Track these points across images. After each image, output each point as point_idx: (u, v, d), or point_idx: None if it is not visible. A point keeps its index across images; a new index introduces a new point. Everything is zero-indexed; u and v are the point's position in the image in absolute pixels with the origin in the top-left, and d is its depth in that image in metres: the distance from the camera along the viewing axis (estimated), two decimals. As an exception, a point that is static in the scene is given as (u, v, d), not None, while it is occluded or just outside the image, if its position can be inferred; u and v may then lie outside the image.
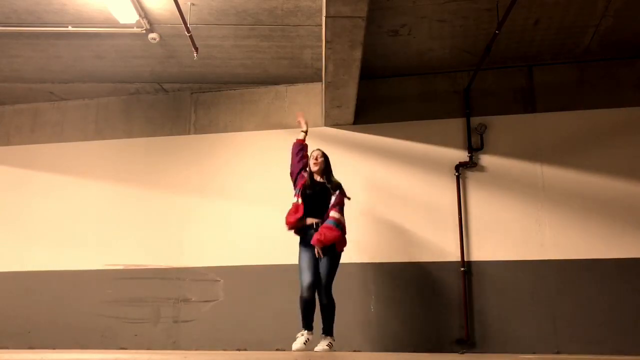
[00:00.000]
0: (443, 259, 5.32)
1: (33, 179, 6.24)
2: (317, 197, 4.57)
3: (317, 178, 4.68)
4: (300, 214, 4.51)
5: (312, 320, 4.46)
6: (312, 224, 4.51)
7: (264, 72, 5.83)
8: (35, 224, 6.08)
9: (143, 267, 5.76)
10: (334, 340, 4.47)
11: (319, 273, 4.45)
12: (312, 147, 5.74)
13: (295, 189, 4.67)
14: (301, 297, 4.39)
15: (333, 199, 4.54)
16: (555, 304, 5.07)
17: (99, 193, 6.06)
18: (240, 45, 5.35)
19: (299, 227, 4.54)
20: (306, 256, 4.48)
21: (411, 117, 5.72)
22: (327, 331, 4.47)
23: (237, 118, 6.06)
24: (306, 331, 4.45)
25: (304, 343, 4.38)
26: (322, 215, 4.51)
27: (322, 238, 4.37)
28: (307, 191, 4.59)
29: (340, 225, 4.48)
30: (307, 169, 4.71)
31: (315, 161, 4.70)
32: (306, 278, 4.40)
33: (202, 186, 5.90)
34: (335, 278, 4.49)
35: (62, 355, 4.00)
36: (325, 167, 4.72)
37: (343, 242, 4.52)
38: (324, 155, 4.75)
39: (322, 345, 4.38)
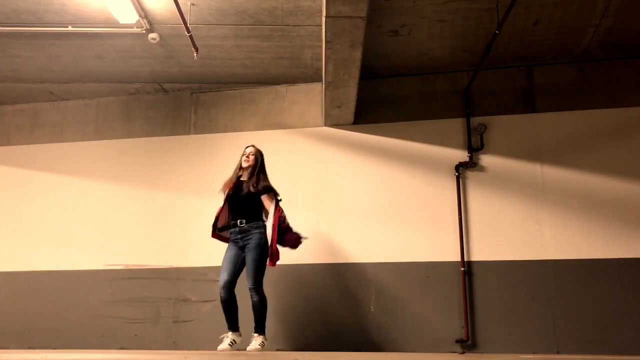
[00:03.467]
0: (443, 259, 5.32)
1: (33, 179, 6.24)
2: (242, 199, 4.60)
3: (245, 177, 4.69)
4: (221, 219, 4.67)
5: (236, 320, 4.50)
6: (235, 223, 4.57)
7: (264, 72, 5.83)
8: (35, 224, 6.08)
9: (143, 267, 5.77)
10: (266, 340, 4.51)
11: (237, 272, 4.52)
12: (312, 148, 5.78)
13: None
14: (220, 297, 4.45)
15: (272, 208, 4.53)
16: (555, 304, 5.07)
17: (99, 193, 6.06)
18: (241, 45, 5.35)
19: (221, 231, 4.68)
20: (227, 254, 4.58)
21: (411, 117, 5.72)
22: (258, 330, 4.48)
23: (237, 118, 6.06)
24: (231, 332, 4.48)
25: (230, 344, 4.43)
26: (248, 216, 4.54)
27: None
28: (230, 193, 4.65)
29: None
30: (238, 167, 4.77)
31: (246, 158, 4.72)
32: (222, 277, 4.46)
33: (202, 186, 5.90)
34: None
35: (62, 355, 4.00)
36: (258, 165, 4.71)
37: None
38: (257, 153, 4.76)
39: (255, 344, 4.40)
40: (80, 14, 4.86)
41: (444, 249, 5.34)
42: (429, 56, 5.54)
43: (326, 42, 4.43)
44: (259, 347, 4.39)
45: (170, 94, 6.27)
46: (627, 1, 4.74)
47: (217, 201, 5.86)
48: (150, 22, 4.97)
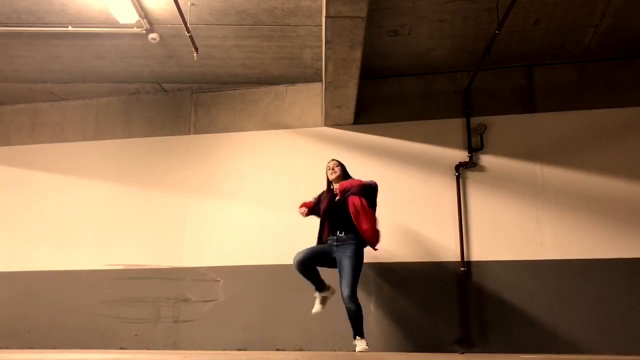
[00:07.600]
0: (443, 259, 5.32)
1: (33, 179, 6.24)
2: (339, 210, 4.63)
3: (335, 187, 4.74)
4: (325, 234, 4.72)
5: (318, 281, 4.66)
6: (334, 233, 4.65)
7: (264, 72, 5.83)
8: (35, 224, 6.08)
9: (143, 267, 5.76)
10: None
11: (317, 259, 4.62)
12: (312, 148, 5.79)
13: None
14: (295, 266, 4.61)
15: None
16: (555, 304, 5.07)
17: (99, 193, 6.06)
18: (240, 45, 5.35)
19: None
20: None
21: (411, 117, 5.72)
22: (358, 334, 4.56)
23: (237, 118, 6.06)
24: (318, 292, 4.68)
25: (321, 304, 4.67)
26: (346, 227, 4.58)
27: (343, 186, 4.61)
28: (326, 208, 4.70)
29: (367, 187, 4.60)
30: (327, 183, 4.85)
31: (331, 170, 4.80)
32: (302, 252, 4.59)
33: (202, 186, 5.91)
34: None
35: (62, 355, 4.00)
36: (344, 175, 4.79)
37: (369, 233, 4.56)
38: (340, 164, 4.83)
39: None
40: (81, 14, 4.87)
41: (444, 249, 5.34)
42: (429, 56, 5.54)
43: (326, 42, 4.43)
44: (365, 348, 4.49)
45: (170, 94, 6.27)
46: (627, 1, 4.74)
47: (216, 201, 5.88)
48: (150, 22, 4.97)
